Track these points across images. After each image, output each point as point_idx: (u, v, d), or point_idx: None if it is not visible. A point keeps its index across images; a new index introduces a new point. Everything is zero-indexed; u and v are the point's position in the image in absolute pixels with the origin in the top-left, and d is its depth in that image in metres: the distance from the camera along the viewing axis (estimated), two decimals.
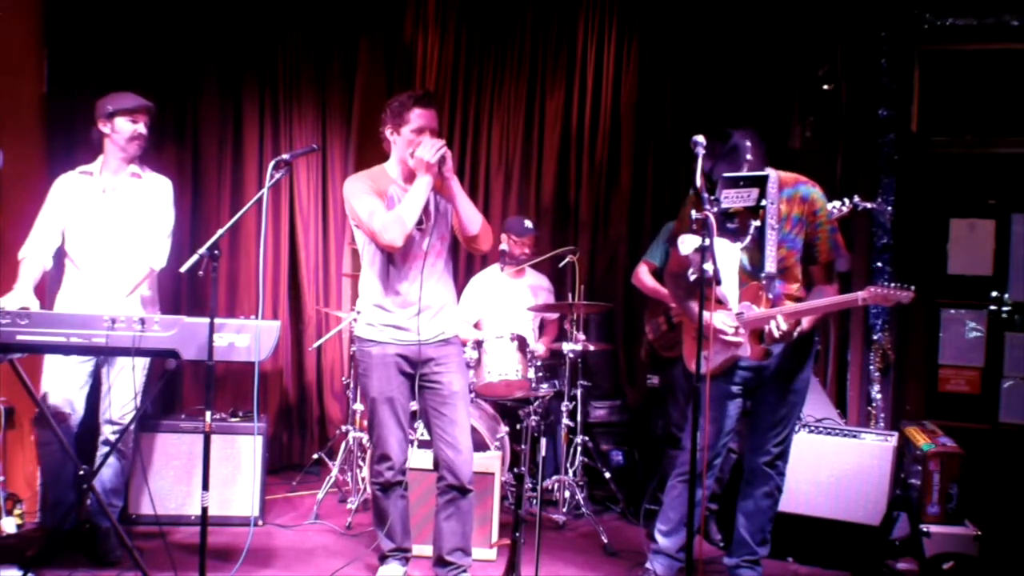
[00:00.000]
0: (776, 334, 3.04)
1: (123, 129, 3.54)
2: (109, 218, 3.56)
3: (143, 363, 3.57)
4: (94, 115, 3.56)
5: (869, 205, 4.03)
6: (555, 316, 4.89)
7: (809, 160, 4.84)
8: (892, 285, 2.96)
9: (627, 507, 4.55)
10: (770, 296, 3.18)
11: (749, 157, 2.98)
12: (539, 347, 4.61)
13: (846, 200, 3.93)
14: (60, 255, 3.60)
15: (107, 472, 3.52)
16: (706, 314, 2.77)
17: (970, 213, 4.86)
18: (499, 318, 4.72)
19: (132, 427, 3.58)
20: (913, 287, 2.95)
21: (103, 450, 3.53)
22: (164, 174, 4.85)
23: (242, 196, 4.98)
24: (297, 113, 5.17)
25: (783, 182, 3.20)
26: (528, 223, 4.77)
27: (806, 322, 3.11)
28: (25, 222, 3.58)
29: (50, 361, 3.49)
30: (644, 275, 4.39)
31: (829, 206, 3.26)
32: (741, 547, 3.43)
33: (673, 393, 4.28)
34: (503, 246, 4.73)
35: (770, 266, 3.16)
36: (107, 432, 3.55)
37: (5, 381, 3.90)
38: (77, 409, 3.50)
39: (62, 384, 3.45)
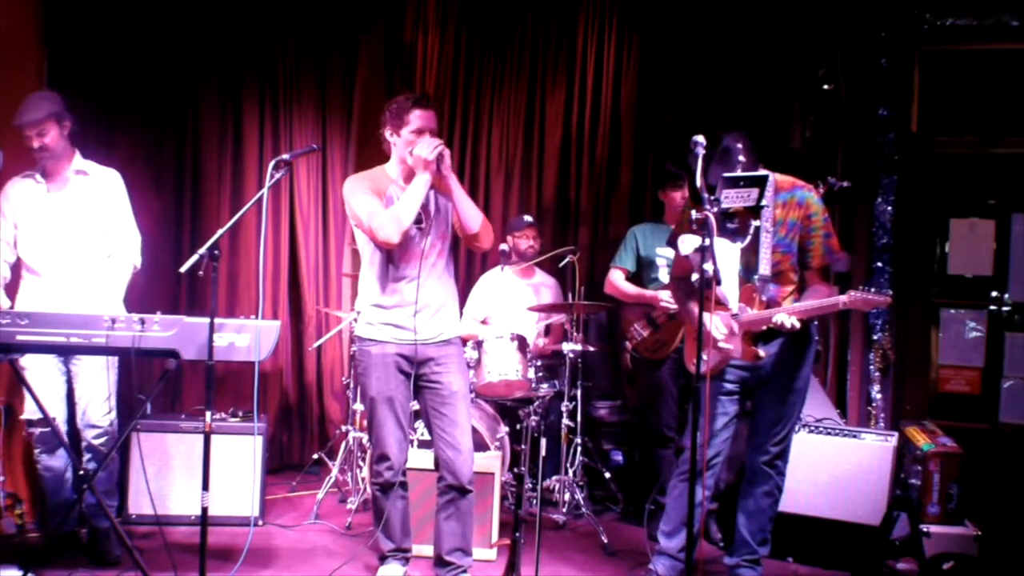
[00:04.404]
0: (788, 324, 3.04)
1: (27, 143, 3.48)
2: (61, 219, 3.51)
3: (113, 363, 3.56)
4: None
5: (845, 184, 4.03)
6: (561, 319, 4.88)
7: (809, 160, 4.85)
8: (871, 290, 3.01)
9: (627, 507, 4.55)
10: (764, 299, 3.19)
11: (742, 159, 2.98)
12: (539, 341, 4.60)
13: (819, 183, 3.93)
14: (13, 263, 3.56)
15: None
16: (705, 315, 2.77)
17: (970, 213, 4.86)
18: (504, 316, 4.73)
19: (113, 428, 3.58)
20: (891, 292, 3.07)
21: (88, 455, 3.52)
22: (164, 174, 4.93)
23: (242, 196, 4.98)
24: (297, 113, 5.17)
25: (779, 186, 3.21)
26: (526, 217, 4.79)
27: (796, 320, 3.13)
28: None
29: (32, 373, 3.44)
30: (620, 282, 4.38)
31: (817, 195, 3.27)
32: (741, 546, 3.43)
33: (660, 394, 4.28)
34: (504, 247, 4.73)
35: (764, 268, 3.16)
36: (89, 436, 3.53)
37: (5, 381, 3.90)
38: (60, 416, 3.50)
39: (46, 394, 3.42)
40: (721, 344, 3.13)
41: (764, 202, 2.95)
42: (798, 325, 3.06)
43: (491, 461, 3.80)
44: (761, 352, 3.19)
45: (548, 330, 4.91)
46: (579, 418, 4.51)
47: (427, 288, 3.24)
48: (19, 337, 2.91)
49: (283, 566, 3.63)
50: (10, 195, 3.55)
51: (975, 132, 4.81)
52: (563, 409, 4.48)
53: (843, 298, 3.01)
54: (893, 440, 3.82)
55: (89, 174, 3.60)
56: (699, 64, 5.17)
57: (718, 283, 2.86)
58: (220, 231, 2.91)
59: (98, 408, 3.53)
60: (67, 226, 3.52)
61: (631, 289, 4.34)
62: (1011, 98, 4.74)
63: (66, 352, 3.42)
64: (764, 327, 3.16)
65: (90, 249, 3.55)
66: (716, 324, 3.11)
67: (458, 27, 5.32)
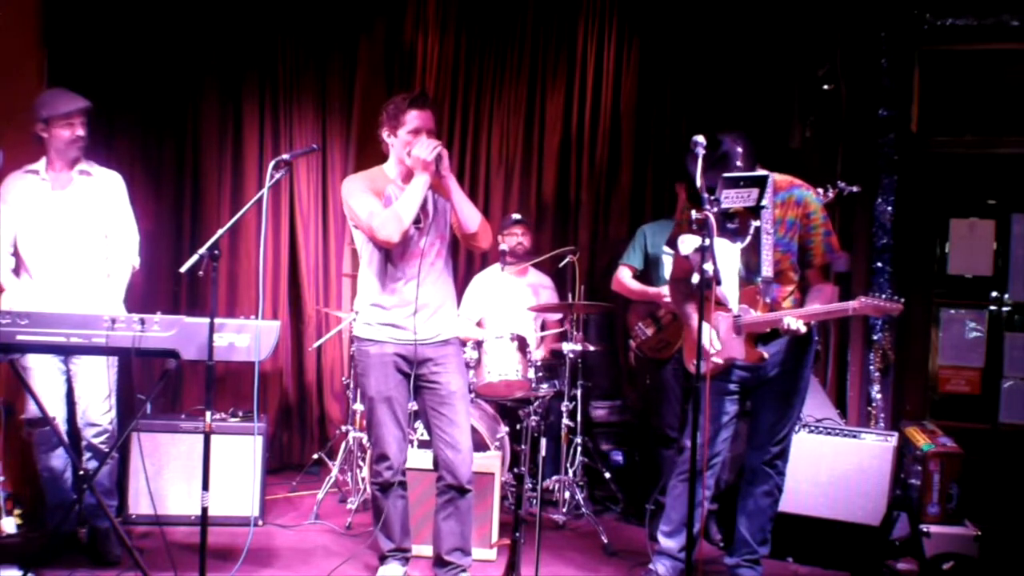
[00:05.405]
0: (794, 326, 3.03)
1: (60, 135, 3.48)
2: (63, 218, 3.51)
3: (113, 362, 3.56)
4: (34, 116, 3.49)
5: (855, 189, 4.02)
6: (557, 317, 4.89)
7: (809, 160, 4.84)
8: (883, 296, 2.98)
9: (627, 507, 4.55)
10: (767, 300, 3.19)
11: (739, 164, 2.98)
12: (538, 353, 4.61)
13: (829, 187, 3.92)
14: None
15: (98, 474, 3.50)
16: (702, 325, 2.77)
17: (970, 213, 4.86)
18: (501, 317, 4.72)
19: (113, 427, 3.58)
20: (903, 299, 2.97)
21: (88, 454, 3.52)
22: (164, 174, 4.93)
23: (242, 196, 4.98)
24: (297, 113, 5.16)
25: (777, 186, 3.21)
26: (514, 215, 4.80)
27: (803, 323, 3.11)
28: None
29: (31, 373, 3.44)
30: (627, 279, 4.39)
31: (815, 194, 3.27)
32: (742, 546, 3.43)
33: (664, 393, 4.28)
34: (503, 246, 4.74)
35: (766, 270, 3.16)
36: (89, 435, 3.53)
37: (5, 381, 3.90)
38: (60, 415, 3.50)
39: (45, 393, 3.42)
40: (714, 358, 3.13)
41: (764, 202, 2.95)
42: (803, 328, 3.05)
43: (491, 461, 3.79)
44: (765, 353, 3.19)
45: (544, 328, 4.90)
46: (579, 418, 4.51)
47: (426, 288, 3.24)
48: (19, 337, 2.91)
49: (283, 566, 3.63)
50: (11, 190, 3.54)
51: (975, 132, 4.81)
52: (563, 409, 4.48)
53: (852, 304, 3.00)
54: (893, 440, 3.82)
55: (92, 175, 3.61)
56: (699, 64, 5.17)
57: (718, 283, 2.86)
58: (220, 231, 2.91)
59: (98, 407, 3.53)
60: (69, 225, 3.52)
61: (636, 286, 4.35)
62: (1011, 98, 4.74)
63: (66, 352, 3.42)
64: (768, 328, 3.16)
65: (90, 249, 3.55)
66: (712, 338, 3.11)
67: (458, 27, 5.32)
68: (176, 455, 4.03)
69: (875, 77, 4.72)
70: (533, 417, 4.22)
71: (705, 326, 2.96)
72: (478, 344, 4.16)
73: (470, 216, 3.22)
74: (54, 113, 3.47)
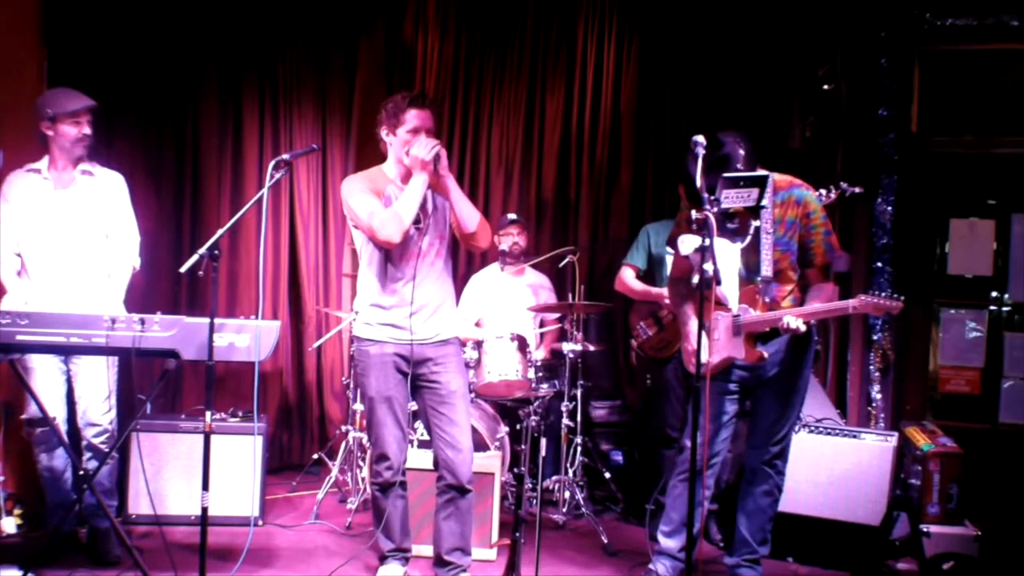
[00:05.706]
0: (794, 325, 3.03)
1: (67, 133, 3.47)
2: (65, 218, 3.51)
3: (113, 362, 3.57)
4: (37, 115, 3.47)
5: (857, 190, 4.02)
6: (555, 316, 4.89)
7: (809, 160, 4.84)
8: (883, 295, 2.98)
9: (627, 507, 4.55)
10: (766, 299, 3.19)
11: (740, 167, 2.98)
12: (538, 353, 4.61)
13: (832, 187, 3.93)
14: None
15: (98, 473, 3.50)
16: (697, 334, 2.77)
17: (970, 213, 4.86)
18: (499, 317, 4.73)
19: (113, 427, 3.58)
20: (903, 297, 2.97)
21: (88, 454, 3.52)
22: (164, 175, 4.94)
23: (242, 196, 4.98)
24: (297, 113, 5.17)
25: (777, 185, 3.21)
26: (510, 215, 4.80)
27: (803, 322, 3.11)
28: None
29: (32, 373, 3.44)
30: (630, 279, 4.39)
31: (815, 194, 3.27)
32: (742, 546, 3.44)
33: (665, 393, 4.29)
34: (502, 246, 4.74)
35: (766, 270, 3.16)
36: (89, 435, 3.53)
37: (5, 381, 3.90)
38: (60, 415, 3.51)
39: (46, 394, 3.42)
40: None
41: (764, 202, 2.95)
42: (803, 328, 3.05)
43: (491, 461, 3.80)
44: (765, 353, 3.19)
45: (542, 338, 4.91)
46: (579, 418, 4.51)
47: (425, 288, 3.25)
48: (19, 337, 2.91)
49: (283, 566, 3.63)
50: (13, 188, 3.54)
51: (975, 132, 4.81)
52: (563, 409, 4.47)
53: (852, 302, 3.00)
54: (893, 440, 3.82)
55: (95, 175, 3.62)
56: (699, 64, 5.18)
57: (718, 283, 2.86)
58: (220, 231, 2.91)
59: (98, 407, 3.53)
60: (70, 225, 3.52)
61: (639, 286, 4.36)
62: (1011, 98, 4.74)
63: (66, 352, 3.42)
64: (767, 328, 3.16)
65: (91, 249, 3.56)
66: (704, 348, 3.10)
67: (458, 27, 5.32)
68: (176, 455, 4.03)
69: (875, 77, 4.71)
70: (533, 417, 4.22)
71: (707, 342, 2.96)
72: (478, 344, 4.16)
73: (469, 216, 3.22)
74: (61, 111, 3.46)
